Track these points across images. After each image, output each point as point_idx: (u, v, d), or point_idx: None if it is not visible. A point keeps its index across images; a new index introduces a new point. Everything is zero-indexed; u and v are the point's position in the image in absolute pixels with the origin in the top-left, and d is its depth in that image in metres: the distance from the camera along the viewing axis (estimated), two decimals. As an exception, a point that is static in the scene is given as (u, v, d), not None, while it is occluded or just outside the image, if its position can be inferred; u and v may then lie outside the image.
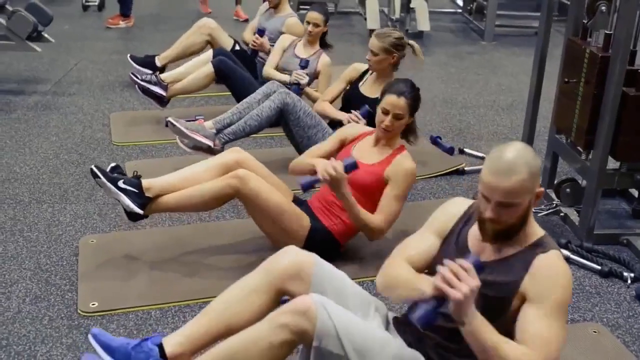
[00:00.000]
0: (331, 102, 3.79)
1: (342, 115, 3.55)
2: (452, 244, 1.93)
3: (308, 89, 4.08)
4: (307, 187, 2.62)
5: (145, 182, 2.71)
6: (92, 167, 2.69)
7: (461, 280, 1.64)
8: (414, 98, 2.79)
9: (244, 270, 2.10)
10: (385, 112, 2.77)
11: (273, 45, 4.44)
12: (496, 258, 1.85)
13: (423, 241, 1.99)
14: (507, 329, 1.76)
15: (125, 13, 6.80)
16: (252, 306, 1.99)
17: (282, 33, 4.51)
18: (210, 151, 3.45)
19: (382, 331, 1.93)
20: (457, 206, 2.01)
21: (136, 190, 2.68)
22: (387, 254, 2.00)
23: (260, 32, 4.55)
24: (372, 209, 2.79)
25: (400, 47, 3.50)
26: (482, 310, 1.71)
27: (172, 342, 1.98)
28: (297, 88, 3.98)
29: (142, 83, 4.15)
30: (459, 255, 1.82)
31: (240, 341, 1.84)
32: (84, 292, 2.60)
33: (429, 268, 1.94)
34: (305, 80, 4.01)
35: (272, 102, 3.55)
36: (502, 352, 1.68)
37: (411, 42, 3.59)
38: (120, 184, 2.67)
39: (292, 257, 2.02)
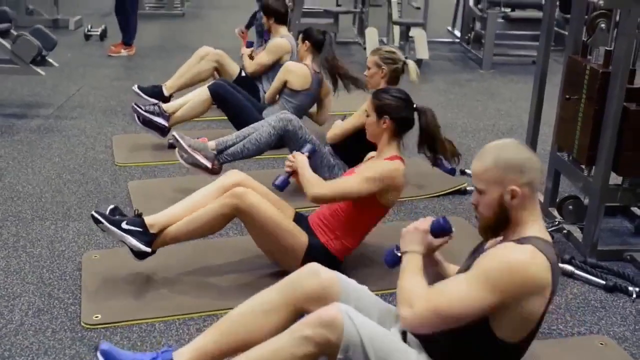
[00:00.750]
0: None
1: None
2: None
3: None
4: (282, 186, 2.82)
5: (148, 219, 2.67)
6: (93, 212, 2.63)
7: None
8: (379, 99, 2.77)
9: (246, 286, 2.09)
10: None
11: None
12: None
13: None
14: (479, 325, 1.74)
15: (127, 42, 6.89)
16: (270, 325, 1.96)
17: None
18: (208, 171, 3.44)
19: (403, 343, 1.91)
20: None
21: (140, 229, 2.64)
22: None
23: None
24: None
25: (389, 61, 3.52)
26: None
27: (184, 358, 1.95)
28: None
29: (145, 113, 4.15)
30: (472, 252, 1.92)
31: (260, 354, 1.81)
32: (87, 304, 2.58)
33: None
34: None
35: (272, 128, 3.51)
36: (403, 280, 1.83)
37: (407, 60, 3.61)
38: (124, 225, 2.63)
39: (317, 279, 2.00)
